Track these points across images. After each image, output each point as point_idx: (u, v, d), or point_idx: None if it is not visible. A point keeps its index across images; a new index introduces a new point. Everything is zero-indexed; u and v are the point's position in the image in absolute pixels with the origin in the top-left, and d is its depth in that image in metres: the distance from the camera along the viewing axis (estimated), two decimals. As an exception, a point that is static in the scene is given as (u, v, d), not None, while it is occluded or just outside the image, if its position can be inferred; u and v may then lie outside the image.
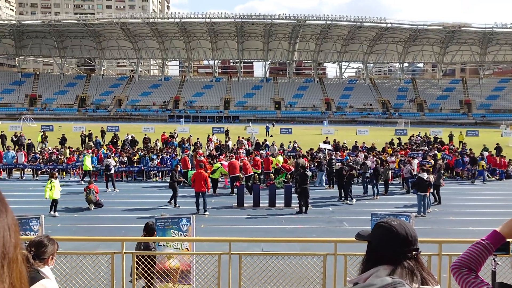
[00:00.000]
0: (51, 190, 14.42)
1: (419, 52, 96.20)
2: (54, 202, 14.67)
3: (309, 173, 16.15)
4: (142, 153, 23.59)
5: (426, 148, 28.70)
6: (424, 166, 17.03)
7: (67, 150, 25.25)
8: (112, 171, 19.39)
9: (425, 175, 15.49)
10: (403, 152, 25.32)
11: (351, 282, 2.01)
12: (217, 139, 32.81)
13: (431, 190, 15.99)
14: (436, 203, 16.97)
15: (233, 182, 18.86)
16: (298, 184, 15.56)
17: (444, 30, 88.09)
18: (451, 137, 38.26)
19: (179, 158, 23.27)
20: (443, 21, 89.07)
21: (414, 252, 1.91)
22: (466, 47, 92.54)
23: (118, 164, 21.84)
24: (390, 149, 27.35)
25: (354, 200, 16.94)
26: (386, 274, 1.85)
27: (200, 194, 15.08)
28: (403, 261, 1.88)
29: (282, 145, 28.58)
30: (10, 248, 1.08)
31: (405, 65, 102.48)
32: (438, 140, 35.30)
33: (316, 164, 21.19)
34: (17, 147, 30.37)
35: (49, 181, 14.59)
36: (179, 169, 17.89)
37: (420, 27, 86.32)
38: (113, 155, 22.90)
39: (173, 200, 16.21)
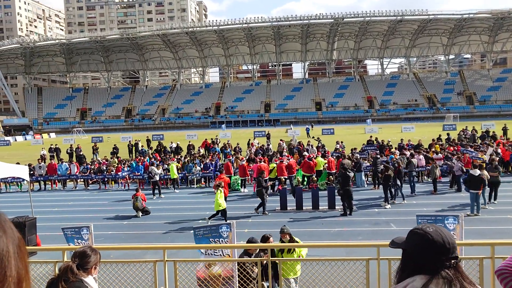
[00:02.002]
0: (220, 199, 14.25)
1: (466, 43, 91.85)
2: (224, 212, 14.43)
3: (351, 174, 15.70)
4: (185, 160, 24.10)
5: (477, 143, 27.23)
6: (476, 162, 16.16)
7: (116, 160, 26.33)
8: (157, 178, 20.01)
9: (477, 172, 14.65)
10: (452, 149, 24.11)
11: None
12: (258, 143, 32.97)
13: (484, 187, 15.03)
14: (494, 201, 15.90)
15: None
16: (340, 185, 15.24)
17: (492, 18, 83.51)
18: (505, 130, 36.05)
19: (222, 164, 23.59)
20: (491, 8, 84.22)
21: (452, 261, 1.79)
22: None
23: (163, 171, 22.48)
24: (438, 145, 26.20)
25: (389, 205, 16.19)
26: (422, 284, 1.74)
27: None
28: (441, 271, 1.76)
29: (323, 146, 28.20)
30: (12, 272, 1.04)
31: (451, 57, 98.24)
32: (490, 134, 33.36)
33: (354, 164, 20.66)
34: (70, 159, 32.05)
35: (219, 191, 14.38)
36: (264, 175, 17.15)
37: (466, 16, 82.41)
38: (158, 163, 23.59)
39: (260, 208, 15.75)
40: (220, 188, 14.46)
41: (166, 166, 23.18)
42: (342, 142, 29.95)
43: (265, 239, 7.35)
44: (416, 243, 1.84)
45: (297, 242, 7.52)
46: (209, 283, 6.25)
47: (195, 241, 6.85)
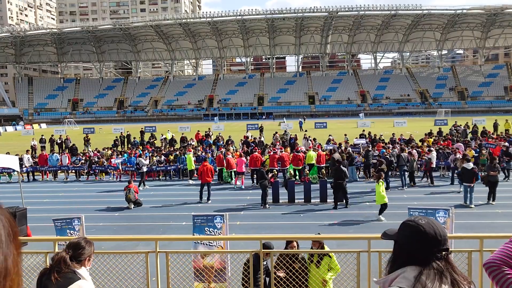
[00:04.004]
0: (383, 193, 13.42)
1: (459, 38, 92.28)
2: (385, 206, 13.56)
3: (344, 169, 15.74)
4: (177, 152, 24.05)
5: (467, 138, 27.50)
6: (467, 156, 16.46)
7: (109, 152, 26.18)
8: (144, 170, 20.13)
9: (469, 165, 15.01)
10: (445, 144, 24.35)
11: (378, 283, 1.94)
12: (251, 136, 33.07)
13: (477, 180, 15.22)
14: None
15: (253, 174, 20.09)
16: (333, 179, 15.37)
17: (485, 14, 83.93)
18: (495, 126, 36.34)
19: (214, 156, 23.57)
20: (484, 4, 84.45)
21: (443, 252, 1.81)
22: (510, 29, 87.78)
23: (156, 163, 22.52)
24: (430, 139, 26.48)
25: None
26: (414, 275, 1.77)
27: (206, 184, 16.44)
28: (432, 262, 1.79)
29: (315, 139, 28.30)
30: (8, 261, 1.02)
31: (444, 52, 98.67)
32: (480, 129, 33.61)
33: (346, 157, 20.78)
34: (61, 150, 31.79)
35: (381, 183, 13.61)
36: (267, 168, 17.23)
37: (459, 11, 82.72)
38: (149, 154, 23.55)
39: (263, 200, 15.64)
40: (381, 180, 13.72)
41: (158, 157, 23.15)
42: (346, 135, 30.08)
43: (287, 243, 6.35)
44: (408, 234, 1.87)
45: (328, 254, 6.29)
46: (203, 272, 6.29)
47: (193, 228, 6.92)
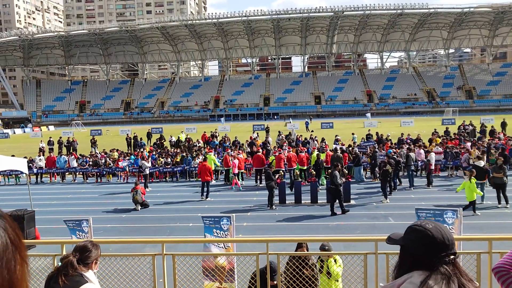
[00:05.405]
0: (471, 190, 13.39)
1: (466, 37, 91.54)
2: (473, 203, 13.61)
3: (337, 174, 14.49)
4: (184, 153, 24.11)
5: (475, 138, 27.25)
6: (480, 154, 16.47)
7: (116, 153, 26.29)
8: (147, 172, 20.35)
9: (481, 163, 14.96)
10: (453, 143, 24.13)
11: (385, 288, 1.92)
12: (257, 136, 33.12)
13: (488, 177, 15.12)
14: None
15: (257, 174, 20.32)
16: (329, 183, 14.78)
17: (493, 12, 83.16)
18: (504, 125, 35.91)
19: (221, 157, 23.58)
20: (491, 2, 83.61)
21: (451, 257, 1.79)
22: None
23: (163, 165, 22.62)
24: (438, 138, 26.30)
25: (387, 200, 16.01)
26: (421, 280, 1.75)
27: (205, 183, 17.31)
28: (439, 267, 1.76)
29: (323, 139, 28.18)
30: (10, 258, 0.99)
31: (451, 51, 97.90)
32: (489, 128, 33.24)
33: (353, 158, 20.66)
34: (68, 152, 32.02)
35: (473, 180, 13.61)
36: (273, 169, 17.15)
37: (466, 10, 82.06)
38: (155, 156, 23.63)
39: (270, 201, 15.53)
40: (473, 178, 13.60)
41: (165, 159, 23.24)
42: (353, 133, 29.75)
43: (298, 246, 6.34)
44: (415, 239, 1.84)
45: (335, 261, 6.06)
46: (216, 273, 6.32)
47: (204, 228, 6.95)
